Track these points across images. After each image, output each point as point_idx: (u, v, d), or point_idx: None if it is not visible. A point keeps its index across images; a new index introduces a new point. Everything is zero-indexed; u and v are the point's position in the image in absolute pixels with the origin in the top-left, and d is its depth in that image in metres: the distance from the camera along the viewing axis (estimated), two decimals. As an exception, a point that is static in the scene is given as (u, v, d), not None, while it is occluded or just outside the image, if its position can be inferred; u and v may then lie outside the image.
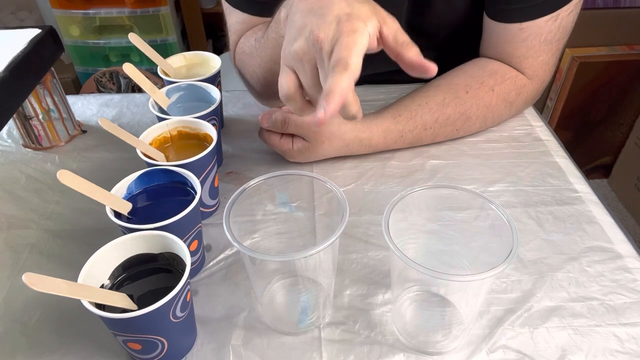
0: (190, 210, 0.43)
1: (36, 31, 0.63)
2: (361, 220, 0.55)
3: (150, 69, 1.74)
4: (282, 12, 0.48)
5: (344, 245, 0.52)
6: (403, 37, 0.41)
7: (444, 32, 0.71)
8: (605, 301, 0.46)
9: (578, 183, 0.60)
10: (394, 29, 0.41)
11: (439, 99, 0.62)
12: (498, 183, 0.60)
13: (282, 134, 0.60)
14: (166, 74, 0.64)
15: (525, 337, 0.43)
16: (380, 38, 0.41)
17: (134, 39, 0.61)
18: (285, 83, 0.43)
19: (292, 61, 0.42)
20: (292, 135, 0.60)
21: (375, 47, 0.41)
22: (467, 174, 0.61)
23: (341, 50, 0.38)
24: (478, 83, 0.63)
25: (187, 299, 0.40)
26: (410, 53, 0.41)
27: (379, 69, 0.77)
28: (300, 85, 0.43)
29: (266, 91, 0.67)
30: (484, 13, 0.64)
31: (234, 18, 0.69)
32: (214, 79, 0.63)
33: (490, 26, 0.64)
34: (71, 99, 0.75)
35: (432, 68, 0.40)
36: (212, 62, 0.67)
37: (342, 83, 0.37)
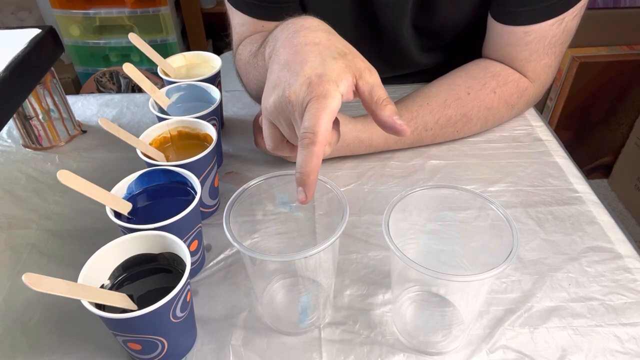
0: (190, 211, 0.43)
1: (36, 31, 0.63)
2: (361, 220, 0.55)
3: (150, 69, 1.74)
4: (267, 49, 0.49)
5: (344, 245, 0.52)
6: (379, 93, 0.40)
7: (449, 33, 0.71)
8: (605, 301, 0.46)
9: (578, 183, 0.60)
10: (370, 84, 0.40)
11: (440, 100, 0.62)
12: (498, 183, 0.60)
13: None
14: (166, 74, 0.64)
15: (525, 337, 0.43)
16: (357, 91, 0.41)
17: (134, 39, 0.61)
18: (269, 137, 0.45)
19: (270, 116, 0.43)
20: None
21: (351, 99, 0.41)
22: (467, 174, 0.61)
23: (310, 118, 0.37)
24: (480, 85, 0.63)
25: (187, 299, 0.40)
26: (385, 112, 0.40)
27: (397, 72, 0.77)
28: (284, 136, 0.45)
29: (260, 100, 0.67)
30: (489, 14, 0.64)
31: (236, 19, 0.68)
32: (214, 79, 0.63)
33: (495, 28, 0.63)
34: (71, 99, 0.75)
35: (405, 130, 0.40)
36: (212, 62, 0.67)
37: (311, 162, 0.37)
